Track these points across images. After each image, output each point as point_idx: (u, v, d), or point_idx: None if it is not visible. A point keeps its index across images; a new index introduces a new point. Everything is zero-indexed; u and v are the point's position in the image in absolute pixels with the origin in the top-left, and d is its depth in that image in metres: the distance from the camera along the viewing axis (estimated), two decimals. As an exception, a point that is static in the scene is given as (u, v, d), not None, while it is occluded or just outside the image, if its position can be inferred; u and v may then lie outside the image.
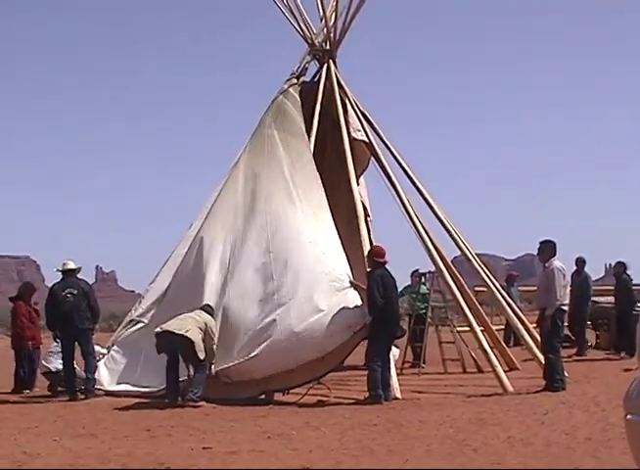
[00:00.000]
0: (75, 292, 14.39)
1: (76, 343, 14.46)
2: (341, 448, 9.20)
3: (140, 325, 15.27)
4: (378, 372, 12.92)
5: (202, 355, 13.14)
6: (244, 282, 14.37)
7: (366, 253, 14.16)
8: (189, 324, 13.19)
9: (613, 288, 20.30)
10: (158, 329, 13.29)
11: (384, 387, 12.96)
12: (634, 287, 20.14)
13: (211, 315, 13.72)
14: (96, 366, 14.52)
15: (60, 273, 14.73)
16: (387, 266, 13.67)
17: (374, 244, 14.79)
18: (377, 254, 13.72)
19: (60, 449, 9.52)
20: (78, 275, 14.85)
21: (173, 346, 13.13)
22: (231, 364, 13.54)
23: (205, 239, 15.31)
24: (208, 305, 14.02)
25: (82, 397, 14.07)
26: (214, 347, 13.49)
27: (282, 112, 16.64)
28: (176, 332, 13.03)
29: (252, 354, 13.42)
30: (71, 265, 14.76)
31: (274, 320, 13.65)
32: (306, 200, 15.10)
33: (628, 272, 19.71)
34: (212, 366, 13.47)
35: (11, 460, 8.89)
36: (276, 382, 13.50)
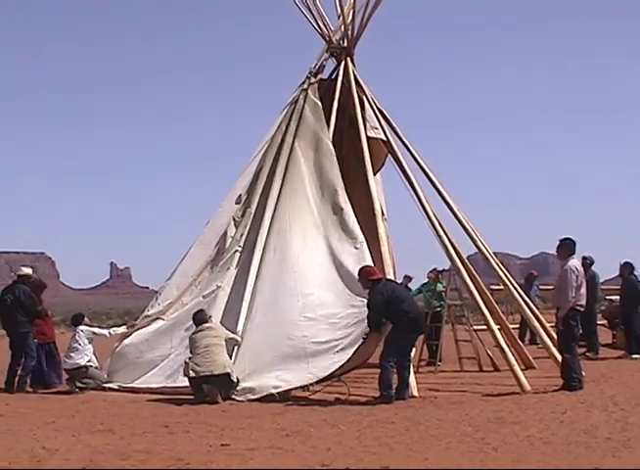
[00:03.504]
0: (12, 298, 15.15)
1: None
2: (359, 446, 9.16)
3: (159, 323, 15.33)
4: (390, 372, 12.76)
5: (234, 377, 13.23)
6: (268, 299, 14.45)
7: (356, 276, 13.71)
8: (218, 355, 13.23)
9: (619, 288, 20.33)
10: (192, 373, 13.12)
11: (403, 386, 12.91)
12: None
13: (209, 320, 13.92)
14: (30, 367, 15.06)
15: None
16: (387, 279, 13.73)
17: (363, 264, 14.09)
18: (369, 273, 13.47)
19: (79, 445, 9.52)
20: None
21: (207, 382, 13.19)
22: (264, 385, 13.41)
23: (226, 248, 15.55)
24: (202, 310, 14.18)
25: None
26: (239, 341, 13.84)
27: (301, 120, 16.71)
28: (215, 373, 13.06)
29: (279, 375, 13.45)
30: (23, 272, 15.93)
31: (300, 338, 13.76)
32: (330, 220, 15.27)
33: (636, 273, 19.71)
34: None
35: (30, 455, 8.90)
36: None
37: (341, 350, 13.52)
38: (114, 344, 15.83)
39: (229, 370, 13.15)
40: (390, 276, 14.77)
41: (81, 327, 15.23)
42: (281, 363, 13.53)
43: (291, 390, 13.41)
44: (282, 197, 15.73)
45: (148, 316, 15.66)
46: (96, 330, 15.56)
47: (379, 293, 12.95)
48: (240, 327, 14.09)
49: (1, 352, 16.87)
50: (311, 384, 13.53)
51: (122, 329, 15.86)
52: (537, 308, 18.30)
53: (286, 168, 16.11)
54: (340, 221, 15.18)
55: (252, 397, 13.14)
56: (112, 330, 15.93)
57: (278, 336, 13.85)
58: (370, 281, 13.25)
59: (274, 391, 13.21)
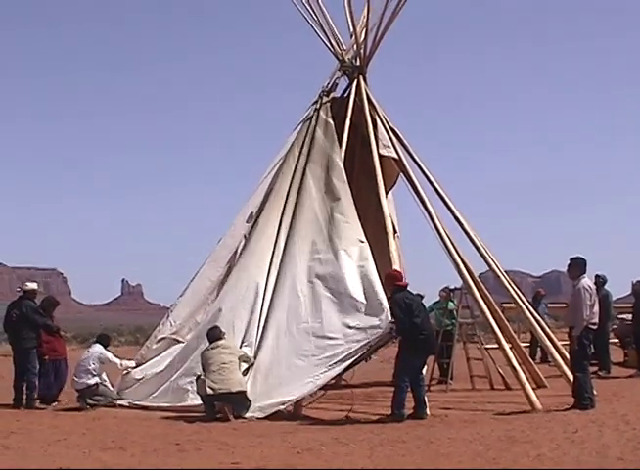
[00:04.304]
0: (18, 313, 15.29)
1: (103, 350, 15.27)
2: (370, 465, 9.17)
3: (176, 345, 15.32)
4: (405, 392, 12.71)
5: (250, 396, 13.25)
6: (279, 318, 14.44)
7: (383, 278, 13.88)
8: (234, 373, 13.23)
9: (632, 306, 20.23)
10: (209, 390, 13.04)
11: (420, 405, 12.86)
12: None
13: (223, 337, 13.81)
14: (34, 383, 15.06)
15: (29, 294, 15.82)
16: (408, 288, 13.62)
17: (392, 268, 14.36)
18: (396, 277, 13.52)
19: (90, 462, 9.55)
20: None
21: (222, 400, 13.15)
22: (272, 402, 13.41)
23: (236, 266, 15.59)
24: (216, 327, 14.05)
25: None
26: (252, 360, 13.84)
27: (313, 139, 16.76)
28: (232, 391, 13.05)
29: (294, 390, 13.45)
30: (28, 287, 15.94)
31: (308, 358, 13.79)
32: (339, 239, 15.22)
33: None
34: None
35: (42, 472, 8.96)
36: None
37: (342, 360, 13.65)
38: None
39: (244, 388, 13.15)
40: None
41: (97, 348, 15.21)
42: (289, 384, 13.54)
43: (299, 404, 13.50)
44: (292, 217, 15.74)
45: (162, 338, 15.62)
46: (110, 356, 15.29)
47: (400, 302, 12.95)
48: (250, 350, 14.11)
49: (8, 370, 16.84)
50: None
51: (132, 364, 15.61)
52: (548, 327, 18.25)
53: (294, 188, 16.14)
54: (349, 242, 15.14)
55: (262, 415, 13.15)
56: (123, 362, 15.70)
57: (287, 359, 13.86)
58: (394, 286, 13.29)
59: (282, 407, 13.29)
